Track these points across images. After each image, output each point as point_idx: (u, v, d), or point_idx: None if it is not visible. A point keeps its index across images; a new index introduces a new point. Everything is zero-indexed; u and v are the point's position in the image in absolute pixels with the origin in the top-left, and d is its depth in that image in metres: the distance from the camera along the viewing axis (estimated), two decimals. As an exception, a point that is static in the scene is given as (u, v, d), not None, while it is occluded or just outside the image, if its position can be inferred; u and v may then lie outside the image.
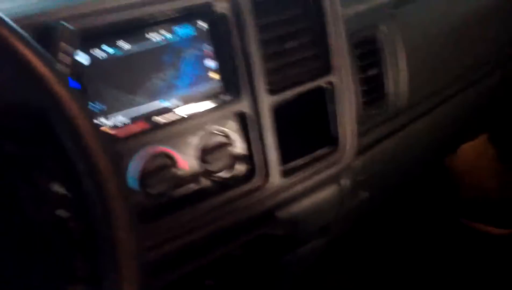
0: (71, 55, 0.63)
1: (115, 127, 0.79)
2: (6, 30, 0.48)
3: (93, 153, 0.49)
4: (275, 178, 0.92)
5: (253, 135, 0.90)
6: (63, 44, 0.62)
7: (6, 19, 0.48)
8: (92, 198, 0.50)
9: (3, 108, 0.50)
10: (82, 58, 0.75)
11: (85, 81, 0.75)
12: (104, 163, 0.49)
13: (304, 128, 0.99)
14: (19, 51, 0.48)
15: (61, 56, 0.62)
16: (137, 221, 0.53)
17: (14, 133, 0.55)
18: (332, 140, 1.01)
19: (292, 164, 0.96)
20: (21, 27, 0.64)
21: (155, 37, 0.81)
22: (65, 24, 0.62)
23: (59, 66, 0.58)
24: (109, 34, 0.77)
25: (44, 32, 0.62)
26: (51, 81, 0.48)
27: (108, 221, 0.50)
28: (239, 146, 0.91)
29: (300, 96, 0.95)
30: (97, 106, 0.77)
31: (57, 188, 0.59)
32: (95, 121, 0.74)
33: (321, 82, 0.97)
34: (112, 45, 0.78)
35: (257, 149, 0.91)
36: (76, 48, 0.64)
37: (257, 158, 0.91)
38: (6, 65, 0.48)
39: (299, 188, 0.98)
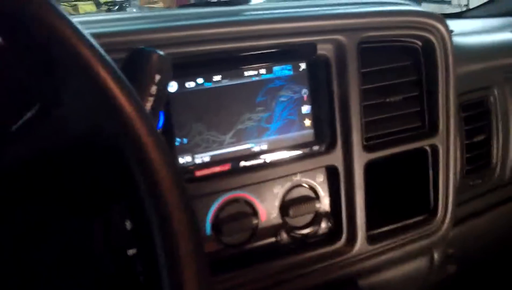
0: (161, 86, 0.57)
1: (196, 164, 0.73)
2: (92, 57, 0.43)
3: (168, 206, 0.43)
4: (361, 243, 0.84)
5: (342, 192, 0.82)
6: (154, 74, 0.56)
7: (94, 42, 0.43)
8: (160, 245, 0.43)
9: (78, 137, 0.45)
10: (170, 86, 0.70)
11: (169, 110, 0.71)
12: (179, 217, 0.43)
13: (395, 190, 0.90)
14: (101, 79, 0.43)
15: (152, 89, 0.56)
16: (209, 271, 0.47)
17: (88, 163, 0.50)
18: (427, 208, 0.91)
19: (381, 229, 0.87)
20: (112, 46, 0.61)
21: (250, 72, 0.75)
22: (160, 52, 0.57)
23: (143, 102, 0.53)
24: (202, 64, 0.72)
25: (135, 57, 0.57)
26: (137, 127, 0.43)
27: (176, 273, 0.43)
28: (324, 202, 0.83)
29: (396, 155, 0.86)
30: (179, 140, 0.72)
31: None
32: (175, 158, 0.71)
33: (424, 144, 0.88)
34: (203, 75, 0.72)
35: (345, 209, 0.83)
36: (167, 78, 0.58)
37: (344, 219, 0.83)
38: (86, 91, 0.43)
39: (386, 256, 0.88)
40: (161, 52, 0.58)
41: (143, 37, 0.66)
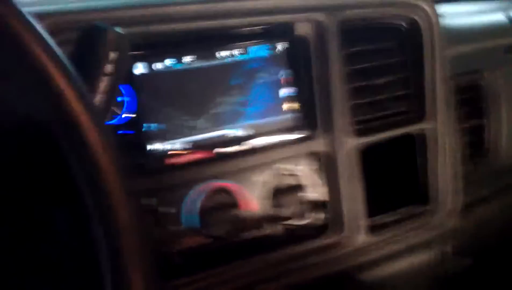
0: (117, 65, 0.53)
1: (171, 153, 0.69)
2: (29, 35, 0.38)
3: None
4: (359, 234, 0.79)
5: (330, 180, 0.78)
6: (109, 52, 0.52)
7: (33, 22, 0.39)
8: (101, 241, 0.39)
9: (13, 120, 0.41)
10: (137, 67, 0.66)
11: (139, 95, 0.66)
12: (123, 216, 0.39)
13: (394, 176, 0.86)
14: (38, 59, 0.38)
15: (106, 66, 0.52)
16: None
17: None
18: (428, 197, 0.87)
19: (380, 219, 0.83)
20: (64, 25, 0.57)
21: (224, 53, 0.71)
22: (113, 27, 0.53)
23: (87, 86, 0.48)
24: (173, 45, 0.68)
25: (88, 34, 0.53)
26: (73, 106, 0.38)
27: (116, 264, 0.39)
28: (316, 191, 0.78)
29: (391, 140, 0.82)
30: (148, 126, 0.68)
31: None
32: (148, 144, 0.67)
33: (412, 128, 0.84)
34: (173, 56, 0.68)
35: (336, 197, 0.78)
36: (125, 57, 0.54)
37: (340, 208, 0.78)
38: (23, 73, 0.39)
39: (386, 249, 0.83)
40: (118, 29, 0.54)
41: (105, 15, 0.62)
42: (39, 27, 0.39)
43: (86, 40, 0.53)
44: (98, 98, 0.52)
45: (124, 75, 0.55)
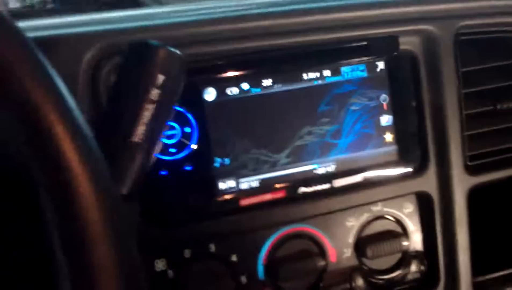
0: (167, 90, 0.44)
1: (241, 191, 0.61)
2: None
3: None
4: None
5: (438, 226, 0.68)
6: (157, 74, 0.43)
7: (25, 37, 0.32)
8: None
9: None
10: (208, 93, 0.58)
11: (210, 125, 0.59)
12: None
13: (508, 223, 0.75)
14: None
15: (153, 93, 0.43)
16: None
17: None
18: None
19: (493, 275, 0.73)
20: (117, 46, 0.50)
21: (311, 74, 0.62)
22: (165, 45, 0.44)
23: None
24: (250, 66, 0.60)
25: (135, 53, 0.45)
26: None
27: None
28: (415, 240, 0.69)
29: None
30: (219, 160, 0.60)
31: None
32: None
33: None
34: (249, 79, 0.60)
35: (443, 248, 0.69)
36: (176, 80, 0.45)
37: (441, 261, 0.69)
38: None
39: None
40: (172, 48, 0.45)
41: (166, 33, 0.54)
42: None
43: (132, 61, 0.45)
44: (140, 130, 0.43)
45: (175, 103, 0.46)
